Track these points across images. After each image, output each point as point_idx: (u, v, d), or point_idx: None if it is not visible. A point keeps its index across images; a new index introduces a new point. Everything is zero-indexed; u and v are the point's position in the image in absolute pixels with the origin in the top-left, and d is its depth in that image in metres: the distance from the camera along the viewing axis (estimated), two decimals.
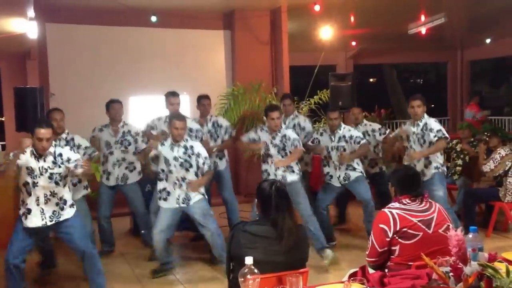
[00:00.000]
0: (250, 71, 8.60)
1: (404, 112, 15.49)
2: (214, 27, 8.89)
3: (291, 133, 5.41)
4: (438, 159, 5.58)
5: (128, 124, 5.81)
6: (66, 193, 4.24)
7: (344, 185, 5.72)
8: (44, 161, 4.09)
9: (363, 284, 2.43)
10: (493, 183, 6.43)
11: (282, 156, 5.31)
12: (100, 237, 5.78)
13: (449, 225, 3.01)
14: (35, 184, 4.09)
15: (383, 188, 6.56)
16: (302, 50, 11.29)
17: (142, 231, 5.91)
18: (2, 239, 6.06)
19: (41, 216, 4.13)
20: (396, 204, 3.12)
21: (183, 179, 4.85)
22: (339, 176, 5.69)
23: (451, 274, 2.27)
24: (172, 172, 4.87)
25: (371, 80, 22.53)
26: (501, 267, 2.20)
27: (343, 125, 5.76)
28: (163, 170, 4.91)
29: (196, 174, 4.90)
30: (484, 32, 12.52)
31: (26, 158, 4.04)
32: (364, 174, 5.79)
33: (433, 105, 17.06)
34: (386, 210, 3.10)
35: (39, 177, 4.09)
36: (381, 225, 3.04)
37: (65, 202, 4.23)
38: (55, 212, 4.17)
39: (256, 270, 2.36)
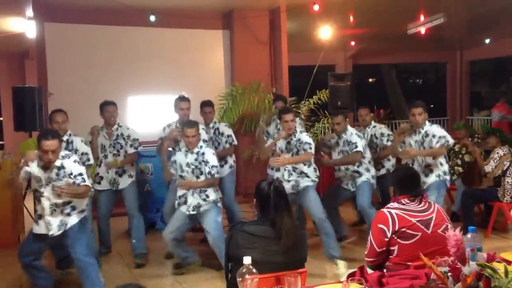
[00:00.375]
0: (249, 71, 8.57)
1: (403, 112, 15.53)
2: (213, 27, 8.87)
3: (304, 137, 5.19)
4: (442, 167, 5.26)
5: (122, 126, 5.63)
6: (75, 200, 4.17)
7: (353, 191, 5.64)
8: (51, 171, 4.06)
9: (361, 284, 2.42)
10: (491, 183, 6.42)
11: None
12: (98, 238, 5.73)
13: (448, 225, 3.00)
14: (41, 194, 4.10)
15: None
16: (301, 50, 11.29)
17: (133, 240, 5.61)
18: (2, 239, 6.08)
19: (48, 227, 4.13)
20: (395, 204, 3.11)
21: None
22: (347, 184, 5.65)
23: (449, 274, 2.27)
24: (185, 178, 4.89)
25: (370, 80, 22.57)
26: (500, 267, 2.20)
27: (349, 129, 5.59)
28: (180, 176, 4.95)
29: None
30: (483, 32, 12.52)
31: (33, 169, 4.05)
32: (371, 180, 5.58)
33: (432, 105, 17.06)
34: (385, 210, 3.09)
35: (45, 187, 4.08)
36: (380, 225, 3.03)
37: (73, 208, 4.19)
38: (62, 221, 4.15)
39: (254, 270, 2.35)
